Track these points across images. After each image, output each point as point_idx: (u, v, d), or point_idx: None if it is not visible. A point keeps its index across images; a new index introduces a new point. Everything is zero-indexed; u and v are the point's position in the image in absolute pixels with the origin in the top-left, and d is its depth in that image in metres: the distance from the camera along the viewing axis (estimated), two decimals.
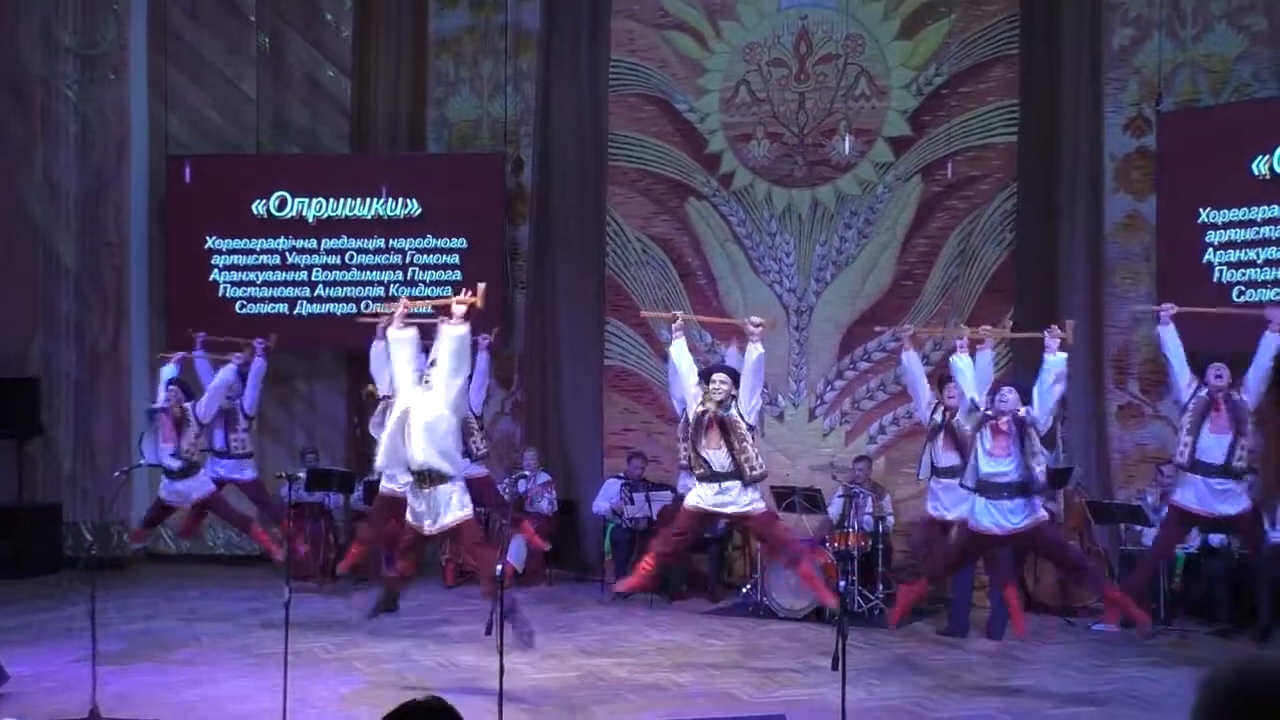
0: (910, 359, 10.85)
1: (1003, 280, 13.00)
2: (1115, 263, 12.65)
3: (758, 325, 9.58)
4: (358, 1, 14.80)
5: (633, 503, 12.85)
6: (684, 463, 11.10)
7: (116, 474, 11.44)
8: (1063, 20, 12.70)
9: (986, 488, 8.93)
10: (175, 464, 11.77)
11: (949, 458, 10.39)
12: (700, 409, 9.49)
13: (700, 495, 9.61)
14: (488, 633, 7.27)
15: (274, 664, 8.66)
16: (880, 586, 11.71)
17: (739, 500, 9.52)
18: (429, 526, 9.04)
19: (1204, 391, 9.63)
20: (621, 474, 13.40)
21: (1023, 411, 8.94)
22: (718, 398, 9.37)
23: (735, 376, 9.55)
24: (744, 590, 12.27)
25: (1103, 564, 11.58)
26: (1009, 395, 9.01)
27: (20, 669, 9.14)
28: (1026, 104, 12.92)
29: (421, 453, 8.82)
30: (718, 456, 9.41)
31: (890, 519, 12.15)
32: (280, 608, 7.90)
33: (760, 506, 9.63)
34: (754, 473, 9.46)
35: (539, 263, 14.41)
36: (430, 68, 14.90)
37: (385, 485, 10.62)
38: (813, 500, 11.93)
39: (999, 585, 10.19)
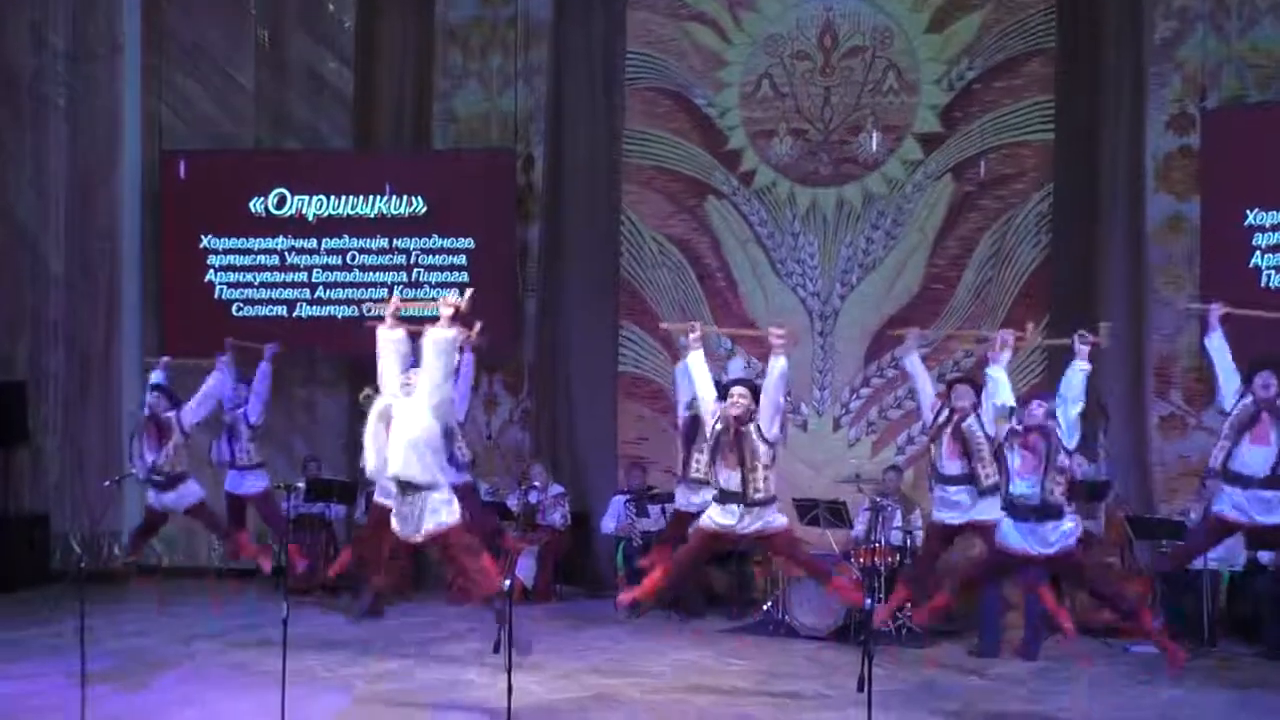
0: (912, 363, 10.76)
1: (1038, 285, 12.97)
2: (1157, 267, 12.61)
3: (781, 337, 9.47)
4: None
5: (648, 515, 12.82)
6: (683, 473, 11.08)
7: (107, 483, 11.46)
8: (1102, 12, 12.68)
9: (1014, 509, 8.86)
10: (154, 477, 11.70)
11: (954, 465, 10.25)
12: (719, 426, 9.42)
13: (714, 516, 9.49)
14: (496, 651, 7.24)
15: (271, 683, 8.64)
16: (909, 605, 11.65)
17: (758, 517, 9.39)
18: (414, 535, 9.00)
19: (1249, 400, 9.57)
20: (624, 489, 13.38)
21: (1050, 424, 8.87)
22: (736, 413, 9.26)
23: (754, 390, 9.42)
24: (765, 608, 12.23)
25: (1147, 584, 11.53)
26: (1038, 410, 8.90)
27: (5, 688, 9.13)
28: (1063, 100, 12.89)
29: (402, 464, 8.82)
30: (732, 477, 9.28)
31: (920, 533, 12.08)
32: (278, 624, 7.89)
33: (780, 522, 9.50)
34: (757, 495, 9.25)
35: (550, 264, 14.39)
36: (437, 60, 14.88)
37: (379, 496, 10.66)
38: (837, 514, 11.91)
39: (1032, 591, 10.19)
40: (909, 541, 11.71)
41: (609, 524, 13.23)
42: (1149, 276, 12.60)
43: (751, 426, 9.19)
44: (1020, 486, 8.79)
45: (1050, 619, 10.19)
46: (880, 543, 11.64)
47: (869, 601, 7.54)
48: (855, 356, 13.52)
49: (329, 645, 10.98)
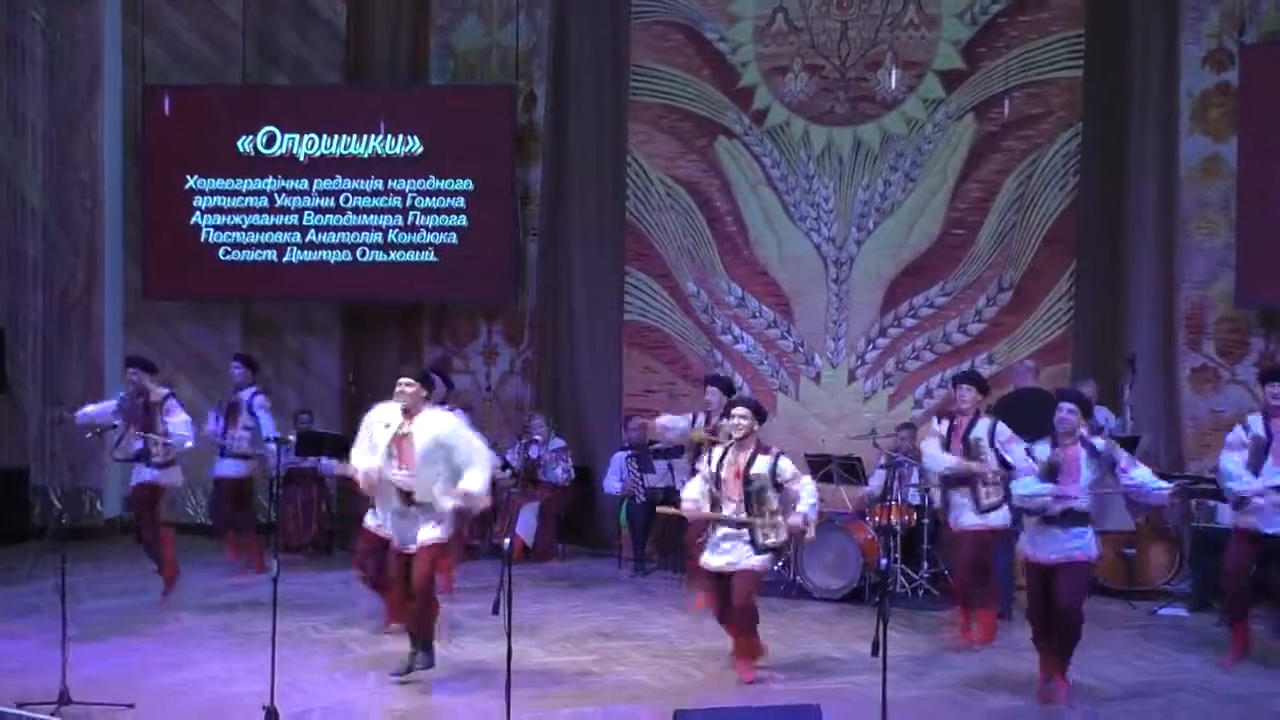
0: (930, 449, 10.31)
1: (1064, 230, 12.89)
2: (1190, 211, 12.52)
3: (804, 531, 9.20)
4: None
5: (652, 470, 12.79)
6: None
7: (89, 435, 11.39)
8: None
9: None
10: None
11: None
12: (720, 453, 9.14)
13: (710, 557, 9.14)
14: (494, 612, 7.23)
15: (260, 644, 8.66)
16: (925, 565, 11.67)
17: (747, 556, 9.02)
18: (407, 546, 8.83)
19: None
20: (625, 444, 13.36)
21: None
22: (739, 434, 9.12)
23: (759, 411, 9.24)
24: (776, 568, 12.23)
25: (1175, 542, 11.54)
26: (1070, 415, 8.60)
27: None
28: (1093, 35, 12.77)
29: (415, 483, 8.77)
30: (733, 508, 9.11)
31: (937, 491, 12.05)
32: (267, 583, 7.89)
33: (759, 564, 9.08)
34: (766, 540, 8.99)
35: (552, 207, 14.33)
36: None
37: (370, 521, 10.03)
38: (851, 470, 11.89)
39: None
40: (926, 500, 11.67)
41: (613, 484, 13.21)
42: (1182, 221, 12.51)
43: (766, 470, 8.96)
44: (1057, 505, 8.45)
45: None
46: (896, 500, 11.63)
47: (884, 563, 7.49)
48: (871, 305, 13.46)
49: (320, 606, 11.01)
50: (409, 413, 8.82)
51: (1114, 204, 12.67)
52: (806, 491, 9.03)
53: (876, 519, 11.67)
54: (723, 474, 9.06)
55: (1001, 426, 9.87)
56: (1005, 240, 13.10)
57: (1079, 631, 8.58)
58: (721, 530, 9.05)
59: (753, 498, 8.96)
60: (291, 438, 11.40)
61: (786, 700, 8.28)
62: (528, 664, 8.88)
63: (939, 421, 10.34)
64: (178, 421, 11.18)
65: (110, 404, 11.43)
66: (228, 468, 12.67)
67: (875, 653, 6.57)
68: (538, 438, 13.39)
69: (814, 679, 9.05)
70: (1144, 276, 12.54)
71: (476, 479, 8.68)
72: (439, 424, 8.85)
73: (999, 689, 8.79)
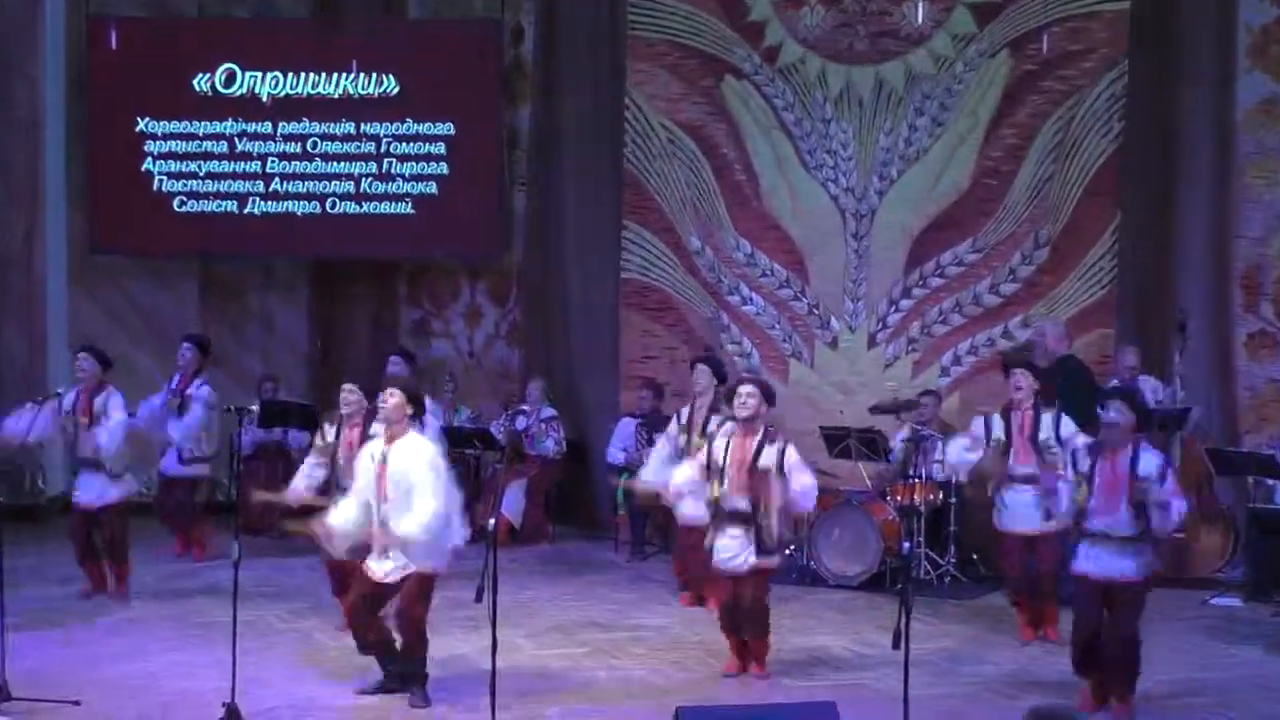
0: (953, 451, 10.52)
1: (1107, 180, 12.87)
2: (1248, 158, 12.51)
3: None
4: None
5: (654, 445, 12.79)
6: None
7: (30, 404, 11.38)
8: None
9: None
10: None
11: (1023, 467, 9.96)
12: (724, 442, 9.06)
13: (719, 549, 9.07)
14: (478, 600, 7.24)
15: (220, 635, 8.67)
16: (952, 548, 11.68)
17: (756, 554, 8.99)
18: (391, 576, 8.43)
19: None
20: (635, 412, 13.36)
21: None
22: (744, 414, 9.07)
23: (767, 392, 9.16)
24: (787, 552, 12.23)
25: (1229, 525, 11.54)
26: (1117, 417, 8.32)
27: None
28: None
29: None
30: (739, 502, 9.02)
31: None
32: (227, 568, 7.89)
33: (770, 563, 9.06)
34: (769, 543, 8.93)
35: (543, 154, 14.31)
36: None
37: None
38: (871, 445, 11.87)
39: None
40: (952, 477, 11.65)
41: (616, 453, 13.16)
42: (1238, 170, 12.50)
43: (774, 463, 8.90)
44: (1098, 521, 8.23)
45: None
46: (920, 478, 11.62)
47: (907, 546, 7.49)
48: (894, 263, 13.45)
49: (285, 594, 11.03)
50: (390, 435, 8.37)
51: (1163, 151, 12.64)
52: (804, 485, 8.94)
53: (898, 498, 11.67)
54: (726, 463, 8.95)
55: (1066, 421, 9.80)
56: (1042, 191, 13.08)
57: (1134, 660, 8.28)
58: (727, 529, 8.96)
59: (759, 496, 8.84)
60: (254, 408, 11.38)
61: (799, 697, 8.27)
62: (514, 657, 8.90)
63: (987, 422, 10.18)
64: (113, 425, 10.95)
65: (41, 413, 10.94)
66: (177, 467, 12.61)
67: (896, 645, 6.57)
68: (525, 407, 13.38)
69: (829, 674, 9.07)
70: (1195, 231, 12.51)
71: (412, 522, 8.16)
72: (416, 455, 8.31)
73: (1032, 688, 8.79)
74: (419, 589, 8.34)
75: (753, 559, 8.89)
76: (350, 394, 9.31)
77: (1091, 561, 8.24)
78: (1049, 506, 8.95)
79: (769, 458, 8.87)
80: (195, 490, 12.88)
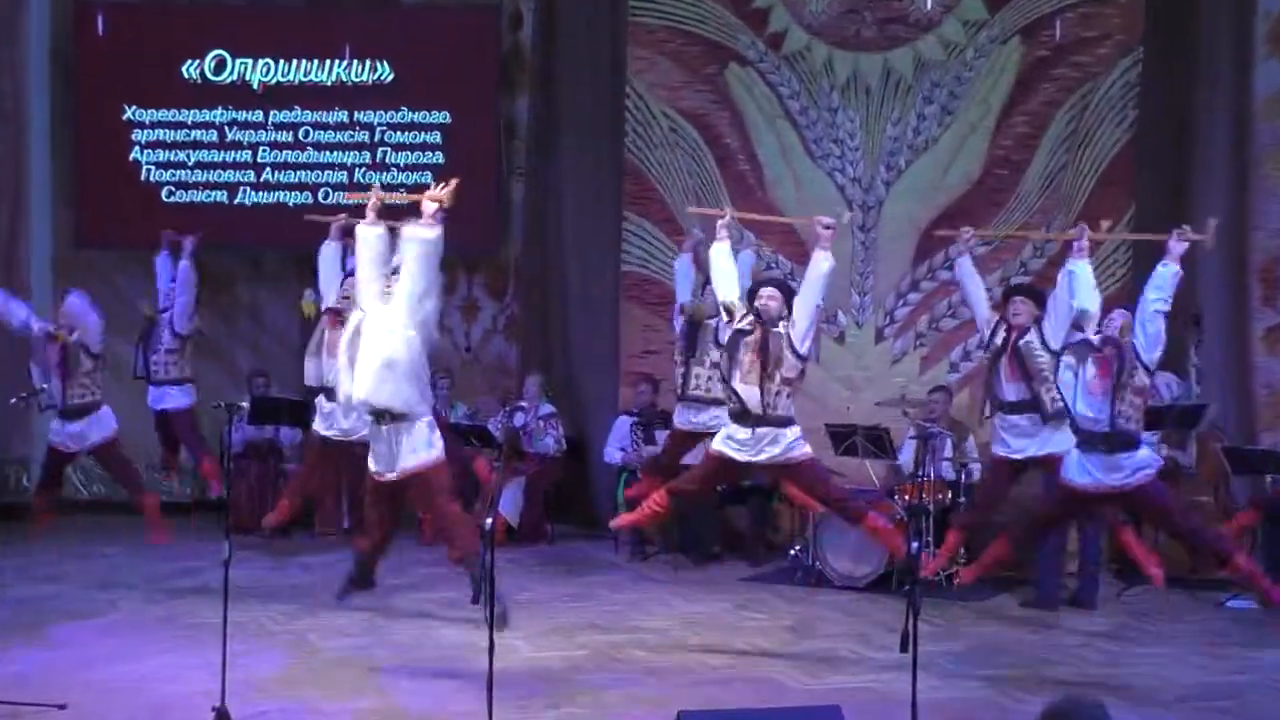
0: (963, 266, 10.78)
1: (1122, 170, 12.89)
2: (1266, 148, 12.53)
3: (829, 227, 9.42)
4: None
5: (655, 442, 12.82)
6: (681, 390, 11.13)
7: (14, 400, 11.42)
8: None
9: (1081, 436, 8.94)
10: (60, 402, 11.62)
11: (1015, 390, 10.31)
12: (739, 330, 9.36)
13: (729, 439, 9.47)
14: (475, 601, 7.26)
15: (210, 636, 8.67)
16: (962, 550, 11.68)
17: (778, 442, 9.40)
18: (389, 474, 8.95)
19: None
20: (632, 408, 13.37)
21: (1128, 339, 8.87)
22: (765, 317, 9.25)
23: (787, 292, 9.41)
24: (792, 552, 12.27)
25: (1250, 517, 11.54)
26: (1118, 319, 8.94)
27: None
28: None
29: (375, 388, 8.71)
30: (752, 394, 9.26)
31: (975, 466, 12.09)
32: (219, 568, 7.90)
33: (803, 450, 9.47)
34: (774, 413, 9.24)
35: (541, 143, 14.32)
36: None
37: (320, 427, 10.91)
38: (879, 442, 11.87)
39: (1113, 532, 10.37)
40: (963, 476, 11.70)
41: (613, 453, 13.21)
42: (1256, 161, 12.52)
43: (783, 328, 9.16)
44: (1085, 408, 8.85)
45: (1137, 566, 10.18)
46: (928, 477, 11.63)
47: (915, 546, 7.51)
48: (902, 255, 13.47)
49: (277, 595, 11.04)
50: None
51: (1178, 140, 12.66)
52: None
53: (906, 497, 11.68)
54: (740, 355, 9.23)
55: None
56: (1055, 182, 13.10)
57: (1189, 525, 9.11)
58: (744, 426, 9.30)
59: (769, 364, 9.17)
60: (244, 405, 11.41)
61: (804, 700, 8.30)
62: (512, 660, 8.90)
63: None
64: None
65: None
66: (165, 398, 12.77)
67: (904, 648, 6.59)
68: (524, 404, 13.40)
69: (835, 676, 9.05)
70: (1217, 221, 12.49)
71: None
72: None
73: (1044, 689, 8.77)
74: (427, 489, 8.92)
75: (797, 451, 9.34)
76: None
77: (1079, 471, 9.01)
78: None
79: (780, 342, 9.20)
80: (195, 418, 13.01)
